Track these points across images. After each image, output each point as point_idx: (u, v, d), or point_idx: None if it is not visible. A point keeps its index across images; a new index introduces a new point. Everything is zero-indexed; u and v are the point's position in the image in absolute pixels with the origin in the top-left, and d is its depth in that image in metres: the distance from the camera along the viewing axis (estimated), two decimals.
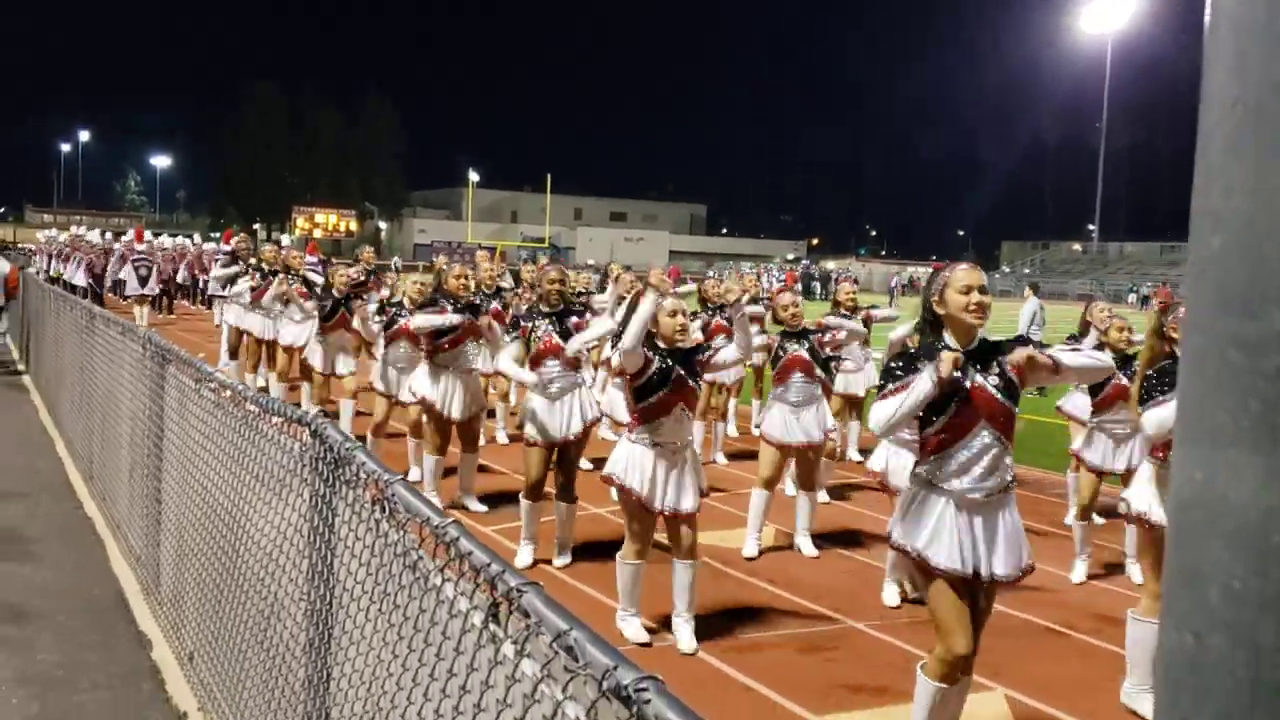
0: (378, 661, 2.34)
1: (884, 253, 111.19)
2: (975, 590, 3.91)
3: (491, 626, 1.70)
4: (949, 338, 3.92)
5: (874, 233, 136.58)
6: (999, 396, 3.86)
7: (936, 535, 3.84)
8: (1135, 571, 6.73)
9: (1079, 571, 6.77)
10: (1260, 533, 0.56)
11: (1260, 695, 0.57)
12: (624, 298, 9.01)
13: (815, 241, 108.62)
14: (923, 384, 3.78)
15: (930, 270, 4.26)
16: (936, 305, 3.93)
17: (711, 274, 12.38)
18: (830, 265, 69.96)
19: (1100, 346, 6.72)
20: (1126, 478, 6.70)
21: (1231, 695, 0.58)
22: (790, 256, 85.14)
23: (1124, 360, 6.64)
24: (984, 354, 3.91)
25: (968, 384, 3.85)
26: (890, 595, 6.18)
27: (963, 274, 3.92)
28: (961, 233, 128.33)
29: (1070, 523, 7.08)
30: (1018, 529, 3.96)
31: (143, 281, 22.80)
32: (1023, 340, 4.02)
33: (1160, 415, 4.60)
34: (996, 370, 3.88)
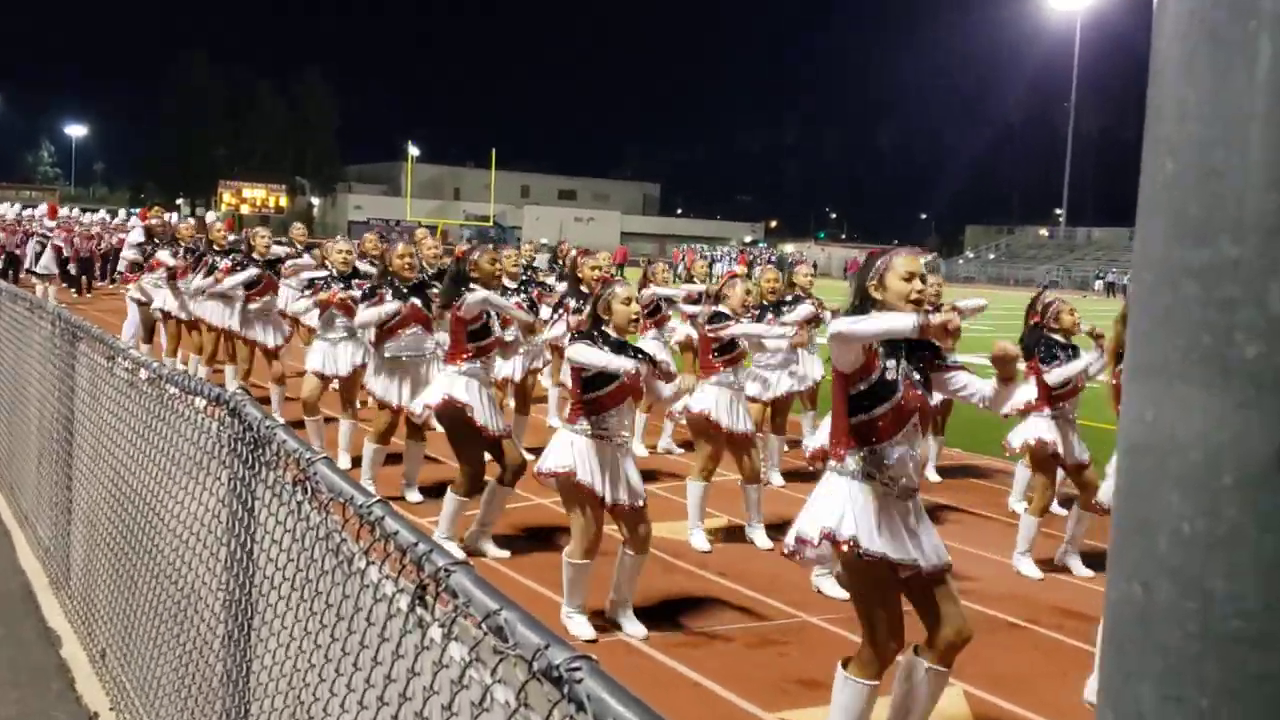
0: (299, 652, 2.31)
1: (844, 236, 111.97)
2: (912, 582, 3.92)
3: (418, 610, 1.68)
4: None
5: (834, 215, 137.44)
6: (924, 393, 3.92)
7: (871, 526, 3.80)
8: (1075, 563, 6.86)
9: (1031, 566, 6.86)
10: (1211, 472, 0.56)
11: (1209, 645, 0.57)
12: (584, 283, 9.01)
13: (773, 224, 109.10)
14: (902, 320, 3.69)
15: (866, 255, 4.26)
16: (875, 290, 3.92)
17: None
18: (789, 248, 70.29)
19: (1050, 342, 6.79)
20: (1074, 470, 6.82)
21: (1180, 646, 0.57)
22: (747, 239, 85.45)
23: (1071, 349, 6.76)
24: (916, 345, 3.93)
25: (902, 378, 3.87)
26: (830, 587, 6.22)
27: (905, 260, 3.93)
28: (924, 216, 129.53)
29: (1021, 512, 7.14)
30: (928, 526, 4.02)
31: (39, 258, 22.30)
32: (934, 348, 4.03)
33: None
34: (917, 364, 3.93)
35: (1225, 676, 0.56)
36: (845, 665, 3.95)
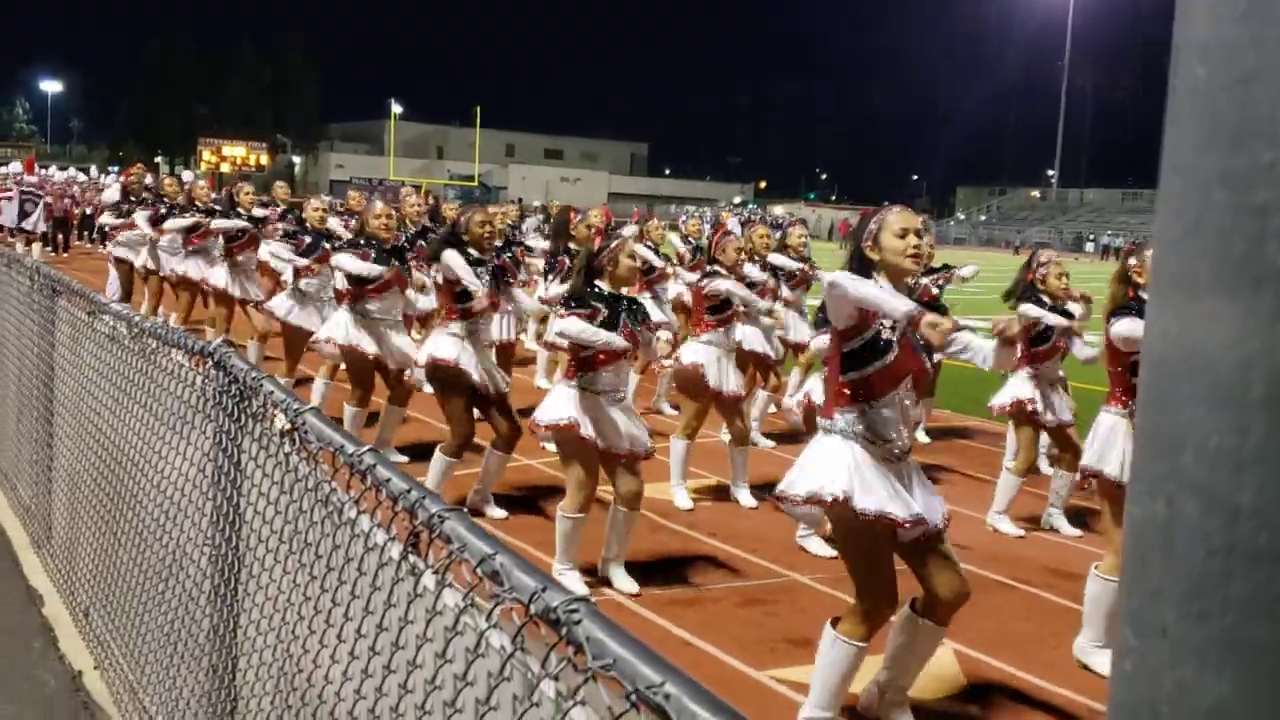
0: (288, 605, 2.31)
1: (834, 198, 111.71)
2: (923, 543, 3.92)
3: (411, 558, 1.68)
4: (882, 284, 3.90)
5: (824, 176, 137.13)
6: (922, 355, 3.91)
7: (865, 484, 3.77)
8: (1062, 523, 6.93)
9: (1009, 525, 6.90)
10: (1240, 385, 0.55)
11: (1236, 563, 0.56)
12: (577, 241, 8.97)
13: (763, 185, 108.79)
14: (900, 303, 3.63)
15: (860, 215, 4.21)
16: (870, 250, 3.87)
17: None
18: (778, 210, 70.16)
19: (1038, 300, 6.80)
20: (1056, 430, 6.86)
21: (1205, 564, 0.57)
22: (737, 200, 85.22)
23: (1063, 312, 6.76)
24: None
25: (898, 338, 3.85)
26: (816, 545, 6.25)
27: (899, 216, 3.90)
28: (916, 177, 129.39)
29: (1011, 475, 7.16)
30: (925, 484, 4.03)
31: (24, 216, 22.08)
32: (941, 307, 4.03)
33: (1130, 327, 4.75)
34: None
35: (1250, 593, 0.56)
36: (835, 624, 3.95)
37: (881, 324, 3.83)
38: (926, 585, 3.98)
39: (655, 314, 5.85)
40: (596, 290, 5.40)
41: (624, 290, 5.57)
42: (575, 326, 5.24)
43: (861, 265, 3.90)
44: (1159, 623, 0.59)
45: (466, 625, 1.48)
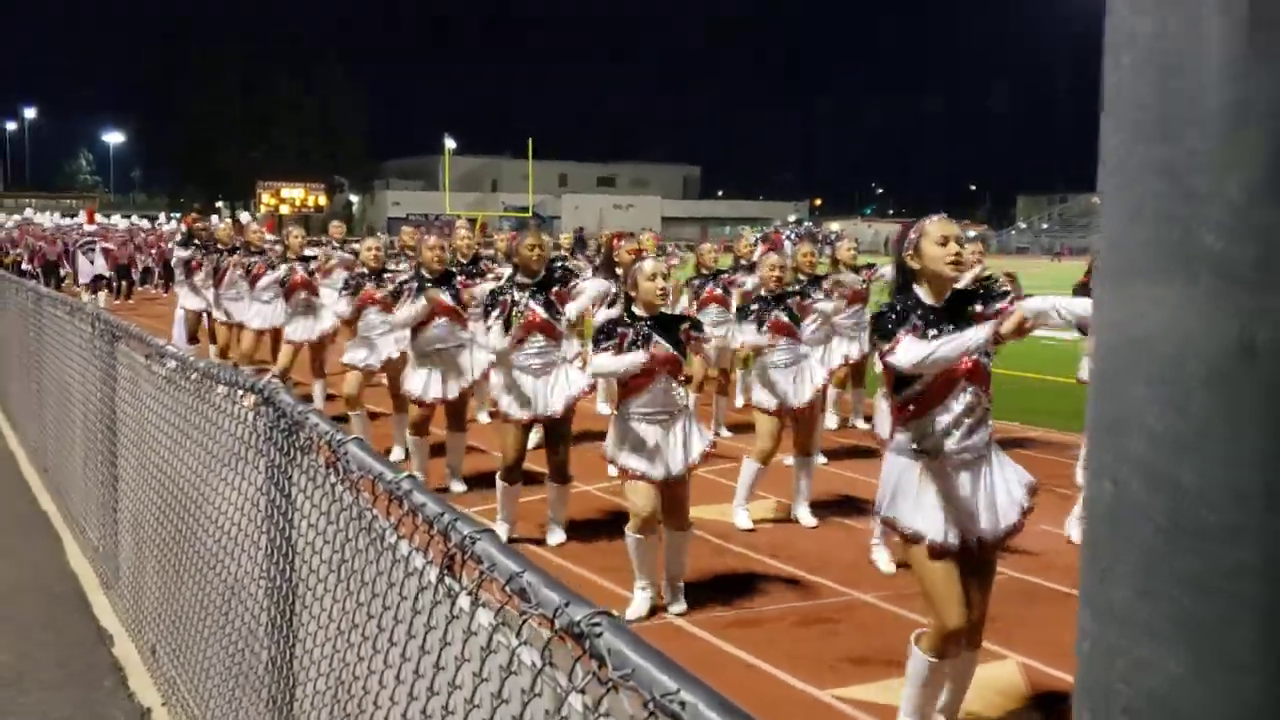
0: (338, 633, 2.36)
1: (891, 211, 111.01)
2: (968, 557, 3.91)
3: (447, 580, 1.72)
4: (923, 294, 3.91)
5: (880, 191, 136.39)
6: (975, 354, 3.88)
7: (920, 506, 3.84)
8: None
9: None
10: (1179, 366, 0.57)
11: (1180, 540, 0.58)
12: (621, 266, 9.04)
13: (818, 202, 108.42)
14: (976, 334, 3.60)
15: (900, 226, 4.24)
16: (911, 260, 3.91)
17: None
18: (834, 226, 69.89)
19: None
20: None
21: (1151, 541, 0.59)
22: (791, 218, 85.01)
23: None
24: (956, 309, 3.91)
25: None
26: (884, 561, 6.24)
27: (938, 225, 3.91)
28: (974, 187, 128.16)
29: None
30: (1006, 481, 3.97)
31: (92, 264, 22.68)
32: (999, 294, 3.96)
33: None
34: (962, 325, 3.88)
35: (1195, 569, 0.57)
36: (918, 640, 3.98)
37: (926, 336, 3.83)
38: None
39: (712, 330, 6.00)
40: (633, 314, 5.47)
41: (661, 311, 5.60)
42: (598, 363, 5.46)
43: (904, 275, 3.93)
44: (1111, 602, 0.60)
45: (500, 644, 1.52)
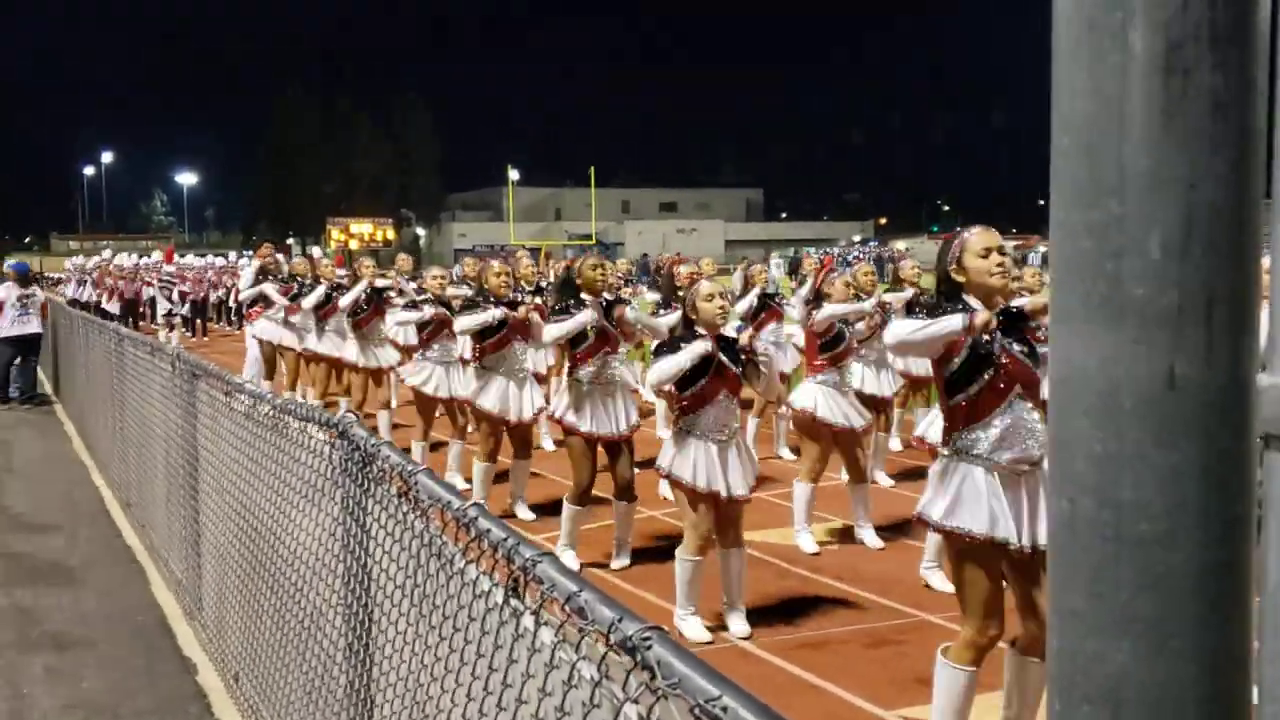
0: (413, 655, 2.49)
1: (958, 228, 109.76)
2: (1020, 564, 3.92)
3: (513, 601, 1.83)
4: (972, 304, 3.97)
5: (946, 208, 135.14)
6: (1028, 363, 3.92)
7: (962, 501, 3.86)
8: None
9: None
10: (1113, 399, 0.67)
11: (1123, 549, 0.68)
12: (678, 288, 9.17)
13: (883, 221, 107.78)
14: (951, 321, 3.81)
15: (942, 240, 4.34)
16: (955, 273, 3.98)
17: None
18: (900, 245, 69.47)
19: None
20: None
21: (1100, 550, 0.68)
22: (856, 238, 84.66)
23: None
24: (1010, 320, 3.96)
25: (998, 349, 3.89)
26: (938, 580, 6.23)
27: (979, 236, 3.99)
28: (1042, 202, 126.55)
29: None
30: None
31: (172, 303, 23.30)
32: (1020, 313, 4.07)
33: None
34: (1018, 337, 3.94)
35: (1138, 574, 0.67)
36: (945, 652, 4.00)
37: (977, 340, 3.89)
38: (1020, 613, 3.98)
39: (769, 350, 6.12)
40: (694, 335, 5.56)
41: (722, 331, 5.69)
42: (659, 367, 5.46)
43: (950, 288, 4.00)
44: (1071, 604, 0.70)
45: (561, 660, 1.63)
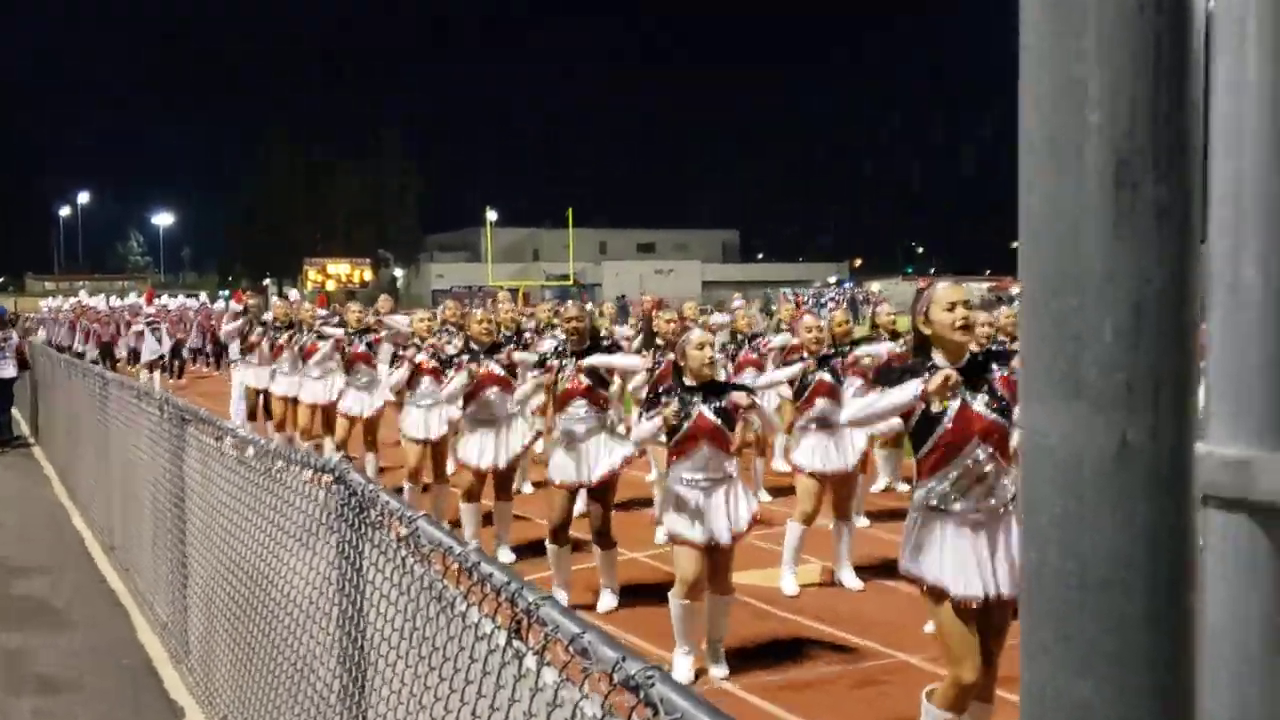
0: (410, 696, 2.56)
1: (933, 270, 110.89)
2: (987, 613, 4.06)
3: (515, 643, 1.92)
4: (938, 358, 4.12)
5: (920, 250, 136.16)
6: (988, 414, 4.05)
7: (941, 561, 4.02)
8: None
9: None
10: (1073, 466, 0.77)
11: (1087, 597, 0.78)
12: (660, 335, 9.28)
13: (858, 262, 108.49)
14: (904, 392, 4.00)
15: (917, 289, 4.53)
16: (922, 325, 4.15)
17: (738, 301, 12.94)
18: (875, 287, 69.94)
19: None
20: None
21: (1065, 598, 0.78)
22: (832, 279, 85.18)
23: None
24: (974, 371, 4.10)
25: (956, 403, 4.03)
26: (929, 625, 6.32)
27: (946, 291, 4.15)
28: (1016, 245, 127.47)
29: None
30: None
31: (159, 343, 23.22)
32: (1005, 355, 4.22)
33: None
34: (985, 388, 4.07)
35: (1099, 617, 0.77)
36: (930, 695, 4.11)
37: (929, 403, 4.05)
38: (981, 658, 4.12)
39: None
40: (682, 384, 5.66)
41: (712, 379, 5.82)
42: (638, 431, 5.77)
43: (919, 340, 4.16)
44: (1042, 642, 0.80)
45: (564, 699, 1.71)
